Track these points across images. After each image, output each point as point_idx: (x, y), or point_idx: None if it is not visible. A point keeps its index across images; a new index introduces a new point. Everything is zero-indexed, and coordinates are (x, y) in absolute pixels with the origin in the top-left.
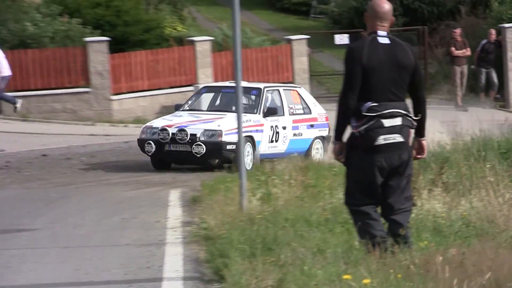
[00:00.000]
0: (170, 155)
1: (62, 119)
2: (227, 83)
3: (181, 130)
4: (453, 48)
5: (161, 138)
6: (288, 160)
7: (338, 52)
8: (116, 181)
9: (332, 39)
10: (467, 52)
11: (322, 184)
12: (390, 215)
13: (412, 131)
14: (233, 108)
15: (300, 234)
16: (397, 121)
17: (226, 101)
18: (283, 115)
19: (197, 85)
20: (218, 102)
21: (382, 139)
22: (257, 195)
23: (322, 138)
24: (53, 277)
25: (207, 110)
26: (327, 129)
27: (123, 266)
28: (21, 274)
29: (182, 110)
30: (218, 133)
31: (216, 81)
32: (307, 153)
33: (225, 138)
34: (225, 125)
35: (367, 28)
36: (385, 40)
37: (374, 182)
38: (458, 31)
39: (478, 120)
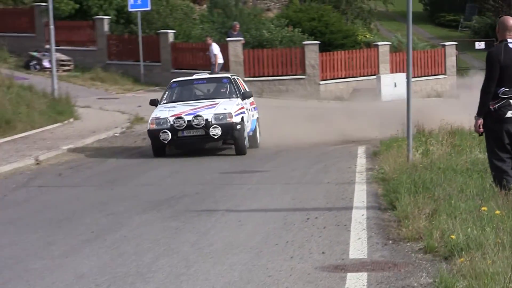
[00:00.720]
0: (183, 141)
1: (284, 97)
2: (195, 76)
3: (197, 116)
4: None
5: (177, 126)
6: (440, 126)
7: (477, 55)
8: (322, 139)
9: (473, 45)
10: None
11: (465, 144)
12: None
13: None
14: (218, 94)
15: (449, 178)
16: None
17: (204, 90)
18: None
19: (379, 75)
20: (197, 92)
21: (510, 114)
22: (419, 151)
23: (258, 120)
24: (277, 204)
25: (191, 100)
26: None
27: (325, 197)
28: (256, 202)
29: (166, 103)
30: (229, 115)
31: (392, 72)
32: (254, 131)
33: (234, 119)
34: (230, 108)
35: (498, 37)
36: None
37: (503, 141)
38: None
39: None
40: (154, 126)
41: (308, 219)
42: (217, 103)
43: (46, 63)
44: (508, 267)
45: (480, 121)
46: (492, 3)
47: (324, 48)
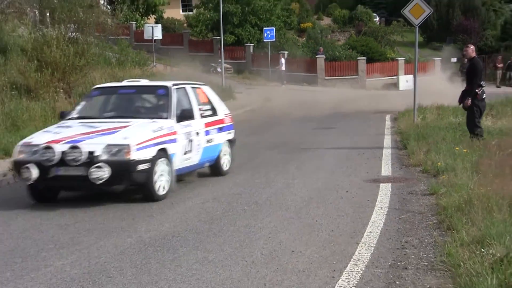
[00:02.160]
0: (58, 182)
1: (347, 87)
2: (124, 83)
3: (73, 147)
4: None
5: (44, 160)
6: (432, 104)
7: (452, 65)
8: (367, 110)
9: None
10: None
11: (445, 113)
12: None
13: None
14: (138, 112)
15: (436, 132)
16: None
17: (125, 104)
18: (194, 118)
19: (398, 76)
20: (114, 106)
21: (484, 95)
22: (420, 117)
23: (230, 142)
24: (342, 145)
25: (103, 118)
26: (233, 131)
27: (368, 142)
28: (331, 144)
29: (70, 119)
30: (126, 148)
31: (405, 74)
32: (217, 160)
33: (135, 156)
34: (134, 137)
35: (468, 55)
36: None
37: (482, 112)
38: None
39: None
40: (22, 157)
41: (359, 154)
42: (124, 126)
43: (219, 69)
44: (469, 180)
45: (469, 100)
46: (461, 37)
47: (368, 61)
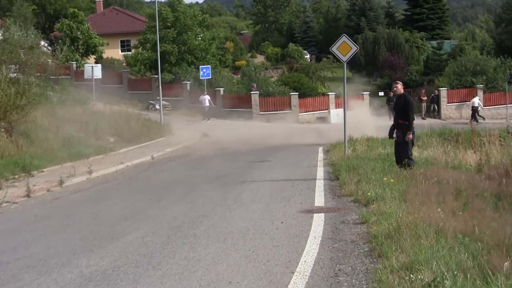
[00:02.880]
0: None
1: (280, 122)
2: None
3: None
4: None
5: None
6: (361, 136)
7: (379, 98)
8: (300, 143)
9: (378, 93)
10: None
11: (373, 145)
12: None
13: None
14: None
15: (366, 163)
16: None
17: None
18: None
19: (329, 109)
20: None
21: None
22: (351, 148)
23: None
24: (277, 177)
25: None
26: None
27: (302, 173)
28: (266, 176)
29: None
30: None
31: (336, 108)
32: None
33: None
34: None
35: (397, 91)
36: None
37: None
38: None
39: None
40: None
41: (293, 185)
42: None
43: (157, 106)
44: (398, 208)
45: (411, 135)
46: (387, 71)
47: (301, 96)
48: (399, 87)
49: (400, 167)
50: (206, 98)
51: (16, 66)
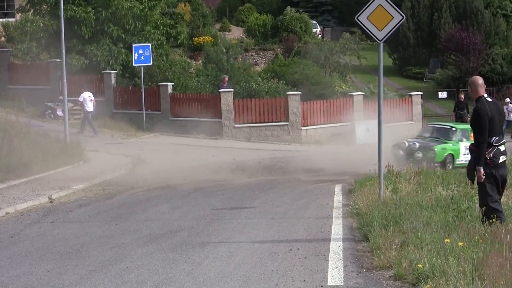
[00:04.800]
0: None
1: (270, 141)
2: None
3: None
4: None
5: None
6: (407, 167)
7: (440, 103)
8: (304, 178)
9: (437, 94)
10: None
11: (429, 182)
12: None
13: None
14: None
15: (416, 213)
16: (505, 146)
17: None
18: None
19: (353, 121)
20: None
21: (502, 159)
22: (389, 188)
23: None
24: (263, 237)
25: None
26: None
27: (306, 230)
28: (244, 235)
29: None
30: None
31: (365, 119)
32: None
33: None
34: None
35: (472, 96)
36: (490, 99)
37: (498, 185)
38: None
39: None
40: None
41: (291, 250)
42: None
43: (59, 112)
44: None
45: (481, 170)
46: (453, 57)
47: (305, 97)
48: (478, 87)
49: (482, 221)
50: (85, 97)
51: None
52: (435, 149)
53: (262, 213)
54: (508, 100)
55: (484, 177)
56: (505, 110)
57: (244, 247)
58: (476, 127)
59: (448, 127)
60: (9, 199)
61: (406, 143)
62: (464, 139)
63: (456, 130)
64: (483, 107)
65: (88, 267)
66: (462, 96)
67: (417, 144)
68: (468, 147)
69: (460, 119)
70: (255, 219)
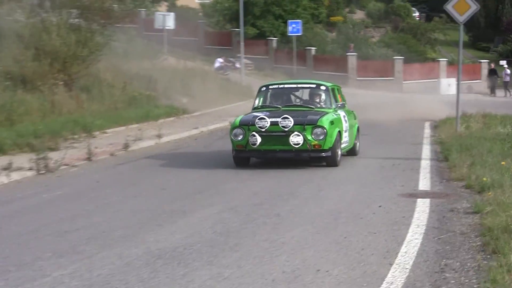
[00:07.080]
0: None
1: (380, 91)
2: None
3: None
4: None
5: None
6: (476, 111)
7: (500, 68)
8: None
9: (499, 62)
10: None
11: (492, 123)
12: None
13: None
14: None
15: (481, 143)
16: None
17: None
18: None
19: (439, 79)
20: None
21: None
22: (463, 126)
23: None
24: (375, 155)
25: None
26: None
27: (404, 152)
28: (361, 153)
29: None
30: None
31: (447, 78)
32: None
33: None
34: None
35: None
36: None
37: None
38: None
39: None
40: None
41: (393, 165)
42: None
43: (237, 65)
44: None
45: None
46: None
47: (406, 61)
48: None
49: None
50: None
51: (78, 11)
52: None
53: (375, 138)
54: (506, 66)
55: None
56: (503, 74)
57: (361, 161)
58: None
59: None
60: (204, 122)
61: None
62: None
63: None
64: None
65: (261, 166)
66: (492, 65)
67: None
68: None
69: (493, 80)
70: (370, 142)
